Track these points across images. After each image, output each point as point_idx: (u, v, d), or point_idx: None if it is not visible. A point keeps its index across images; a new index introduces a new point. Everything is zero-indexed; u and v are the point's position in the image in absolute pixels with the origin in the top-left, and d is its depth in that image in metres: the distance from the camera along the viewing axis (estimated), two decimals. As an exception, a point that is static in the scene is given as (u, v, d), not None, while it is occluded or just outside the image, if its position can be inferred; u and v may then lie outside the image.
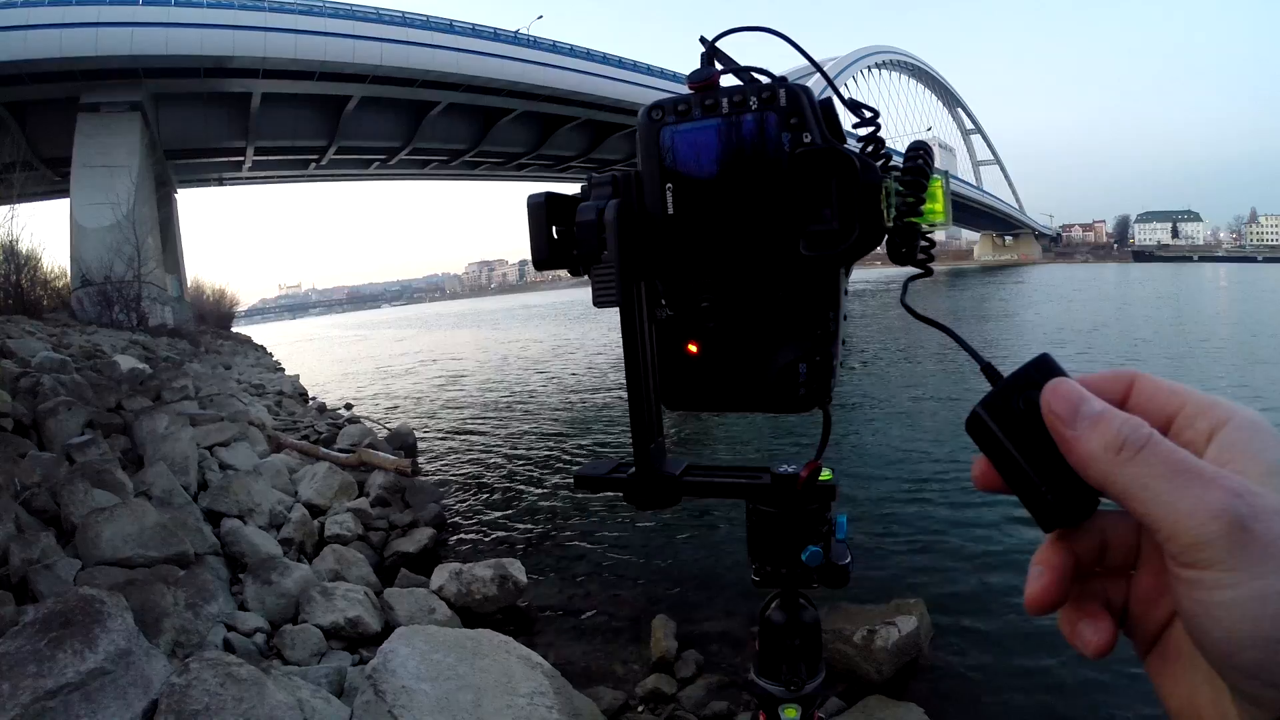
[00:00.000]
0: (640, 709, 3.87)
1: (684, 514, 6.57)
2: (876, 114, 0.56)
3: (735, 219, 0.57)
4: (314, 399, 16.22)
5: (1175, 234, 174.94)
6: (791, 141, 0.54)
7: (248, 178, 40.17)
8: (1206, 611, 0.32)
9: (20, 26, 21.73)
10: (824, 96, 0.57)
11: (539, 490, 8.25)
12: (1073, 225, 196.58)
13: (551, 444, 10.88)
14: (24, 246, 18.84)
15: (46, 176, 26.07)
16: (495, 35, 32.18)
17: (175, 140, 28.52)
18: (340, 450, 8.93)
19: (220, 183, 40.71)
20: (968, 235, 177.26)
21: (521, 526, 7.03)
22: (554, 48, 34.06)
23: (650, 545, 6.25)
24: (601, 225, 0.57)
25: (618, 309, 0.60)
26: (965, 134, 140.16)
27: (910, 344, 17.52)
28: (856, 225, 0.53)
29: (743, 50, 0.60)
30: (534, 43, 33.35)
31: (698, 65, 0.59)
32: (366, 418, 12.82)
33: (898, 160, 0.54)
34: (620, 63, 37.07)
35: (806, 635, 0.73)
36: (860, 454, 8.68)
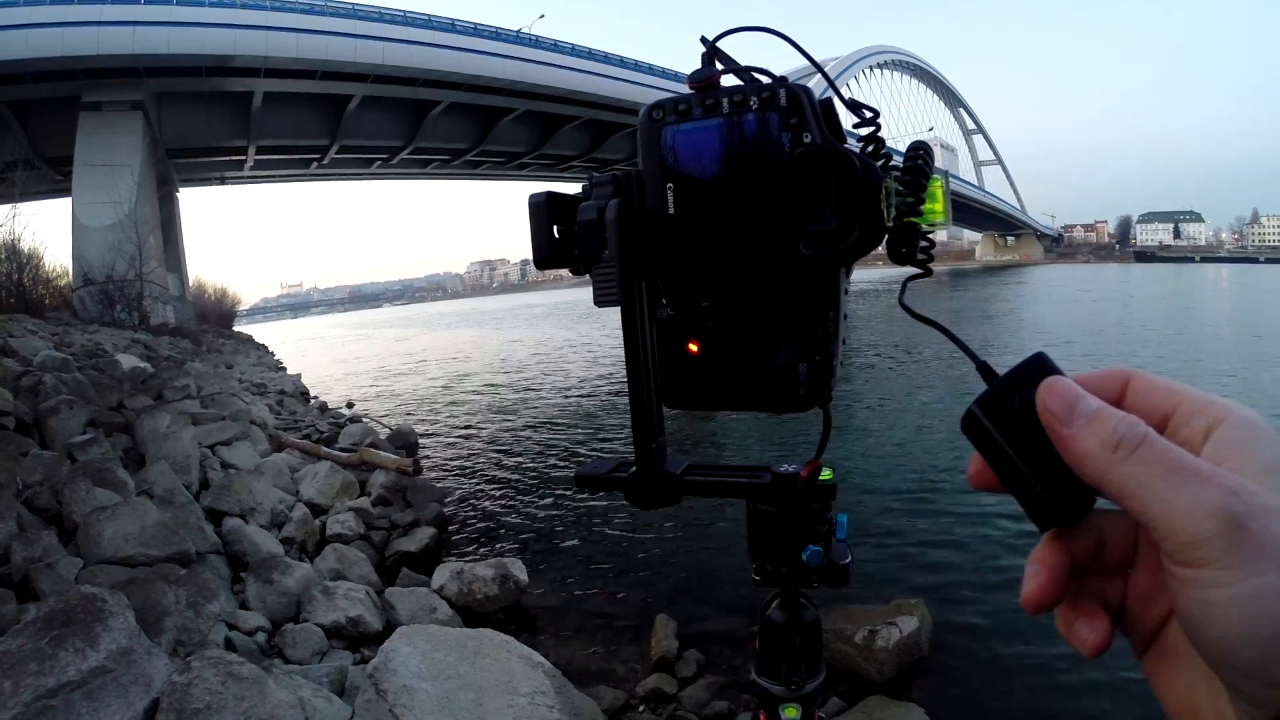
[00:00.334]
0: (641, 709, 3.87)
1: (685, 513, 6.57)
2: (876, 114, 0.57)
3: (736, 218, 0.57)
4: (315, 398, 16.23)
5: (1177, 234, 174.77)
6: (792, 141, 0.55)
7: (249, 177, 40.22)
8: (1203, 610, 0.32)
9: (22, 25, 21.76)
10: (824, 96, 0.57)
11: (540, 490, 8.25)
12: (1074, 226, 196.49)
13: (553, 443, 10.88)
14: (26, 245, 18.88)
15: (48, 175, 26.09)
16: (497, 35, 32.19)
17: (177, 139, 28.54)
18: (342, 449, 8.94)
19: (222, 182, 40.76)
20: (969, 235, 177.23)
21: (523, 526, 7.03)
22: (555, 47, 34.06)
23: (651, 545, 6.25)
24: (603, 225, 0.58)
25: (618, 308, 0.60)
26: (967, 134, 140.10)
27: (912, 344, 17.50)
28: (856, 225, 0.53)
29: (744, 50, 0.60)
30: (535, 42, 33.35)
31: (698, 65, 0.59)
32: (368, 417, 12.83)
33: (898, 160, 0.54)
34: (622, 62, 37.07)
35: (807, 635, 0.73)
36: (862, 453, 8.67)
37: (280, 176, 43.33)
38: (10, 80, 22.27)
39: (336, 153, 35.06)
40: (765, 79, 0.57)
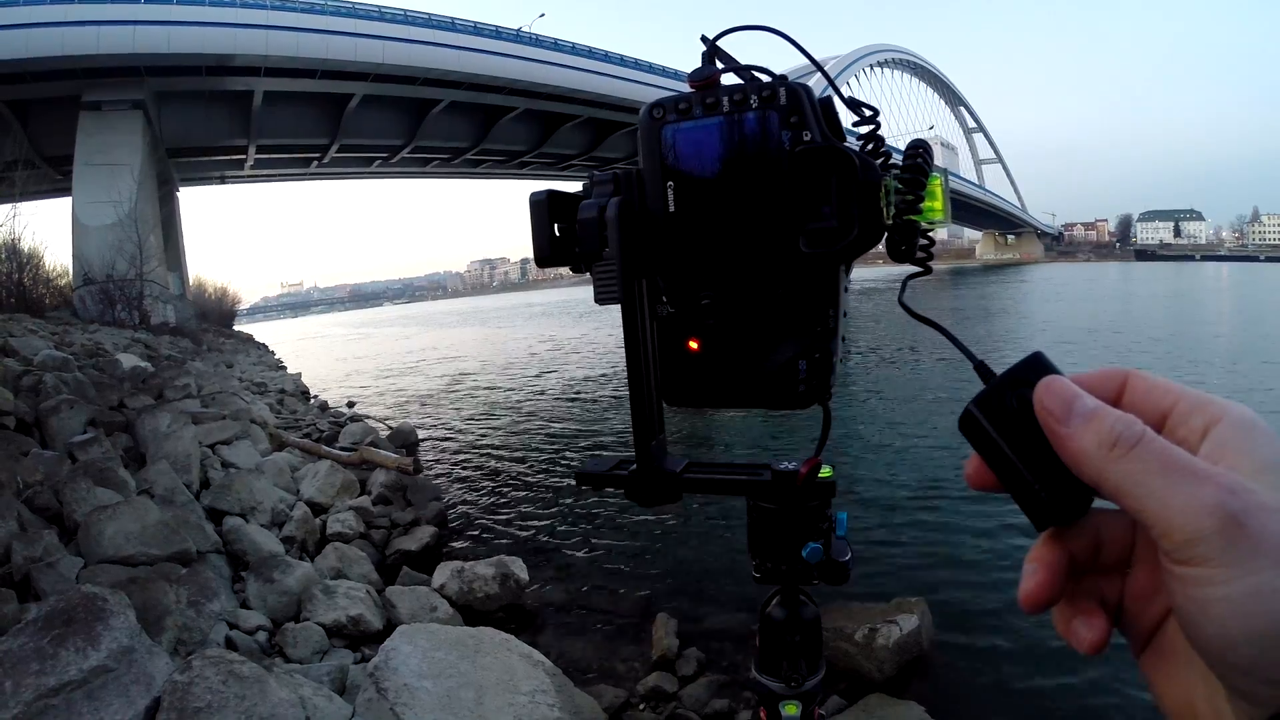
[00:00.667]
0: (641, 707, 3.87)
1: (686, 511, 6.57)
2: (876, 112, 0.57)
3: (736, 217, 0.58)
4: (316, 397, 16.23)
5: (1178, 233, 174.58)
6: (791, 140, 0.55)
7: (250, 176, 40.20)
8: (1200, 608, 0.32)
9: (22, 25, 21.73)
10: (824, 95, 0.57)
11: (541, 488, 8.26)
12: (1075, 224, 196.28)
13: (553, 442, 10.89)
14: (26, 245, 18.87)
15: (48, 175, 26.06)
16: (497, 33, 32.15)
17: (177, 138, 28.52)
18: (342, 448, 8.94)
19: (222, 181, 40.74)
20: (970, 234, 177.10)
21: (523, 524, 7.03)
22: (556, 46, 34.03)
23: (652, 543, 6.25)
24: (603, 223, 0.58)
25: (619, 306, 0.60)
26: (967, 132, 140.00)
27: (913, 342, 17.50)
28: (856, 223, 0.53)
29: (745, 49, 0.60)
30: (536, 41, 33.32)
31: (699, 64, 0.59)
32: (368, 416, 12.83)
33: (898, 158, 0.54)
34: (622, 61, 37.04)
35: (807, 632, 0.74)
36: (863, 451, 8.68)
37: (280, 175, 43.31)
38: (10, 79, 22.25)
39: (337, 152, 35.04)
40: (765, 77, 0.57)
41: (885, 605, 4.28)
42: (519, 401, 15.03)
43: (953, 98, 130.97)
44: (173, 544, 4.16)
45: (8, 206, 18.32)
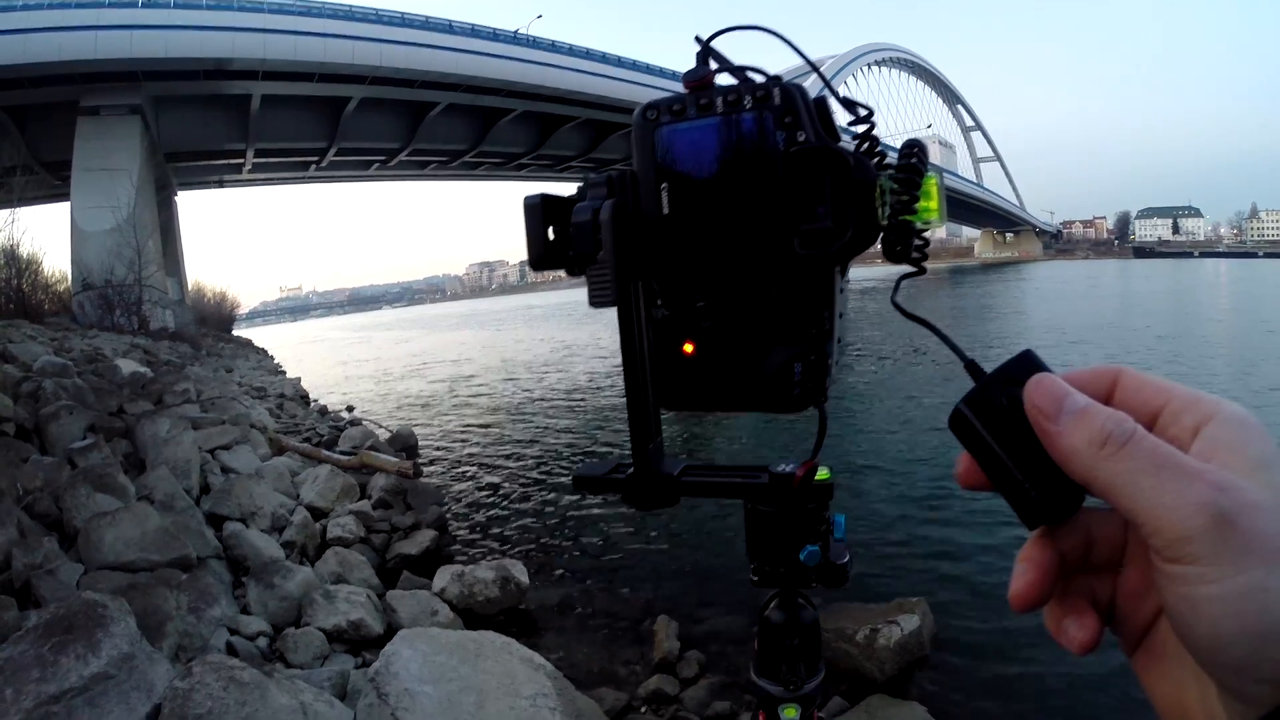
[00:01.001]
0: (643, 710, 3.87)
1: (687, 514, 6.57)
2: (871, 112, 0.56)
3: (730, 218, 0.57)
4: (315, 401, 16.24)
5: (1176, 230, 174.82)
6: (786, 140, 0.54)
7: (248, 180, 40.23)
8: (1191, 607, 0.32)
9: (20, 30, 21.75)
10: (819, 95, 0.57)
11: (541, 492, 8.25)
12: (1073, 222, 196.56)
13: (553, 445, 10.88)
14: (25, 251, 18.89)
15: (47, 180, 26.10)
16: (494, 35, 32.19)
17: (175, 143, 28.54)
18: (342, 453, 8.93)
19: (220, 185, 40.77)
20: (968, 232, 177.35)
21: (523, 528, 7.03)
22: (553, 47, 34.07)
23: (652, 545, 6.25)
24: (597, 225, 0.57)
25: (614, 309, 0.60)
26: (965, 131, 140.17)
27: (912, 342, 17.50)
28: (851, 224, 0.53)
29: (740, 50, 0.60)
30: (533, 42, 33.35)
31: (693, 64, 0.59)
32: (368, 420, 12.83)
33: (895, 158, 0.54)
34: (620, 62, 37.08)
35: (805, 635, 0.73)
36: (862, 452, 8.67)
37: (279, 179, 43.34)
38: (8, 85, 22.26)
39: (335, 155, 35.07)
40: (760, 78, 0.57)
41: (886, 605, 4.28)
42: (518, 405, 15.03)
43: (950, 96, 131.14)
44: (173, 550, 4.16)
45: (6, 212, 18.40)
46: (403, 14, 29.94)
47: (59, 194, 25.60)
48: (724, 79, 0.58)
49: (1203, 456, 0.34)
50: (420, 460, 9.25)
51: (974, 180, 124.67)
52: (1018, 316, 28.47)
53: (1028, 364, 0.41)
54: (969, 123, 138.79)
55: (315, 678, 3.35)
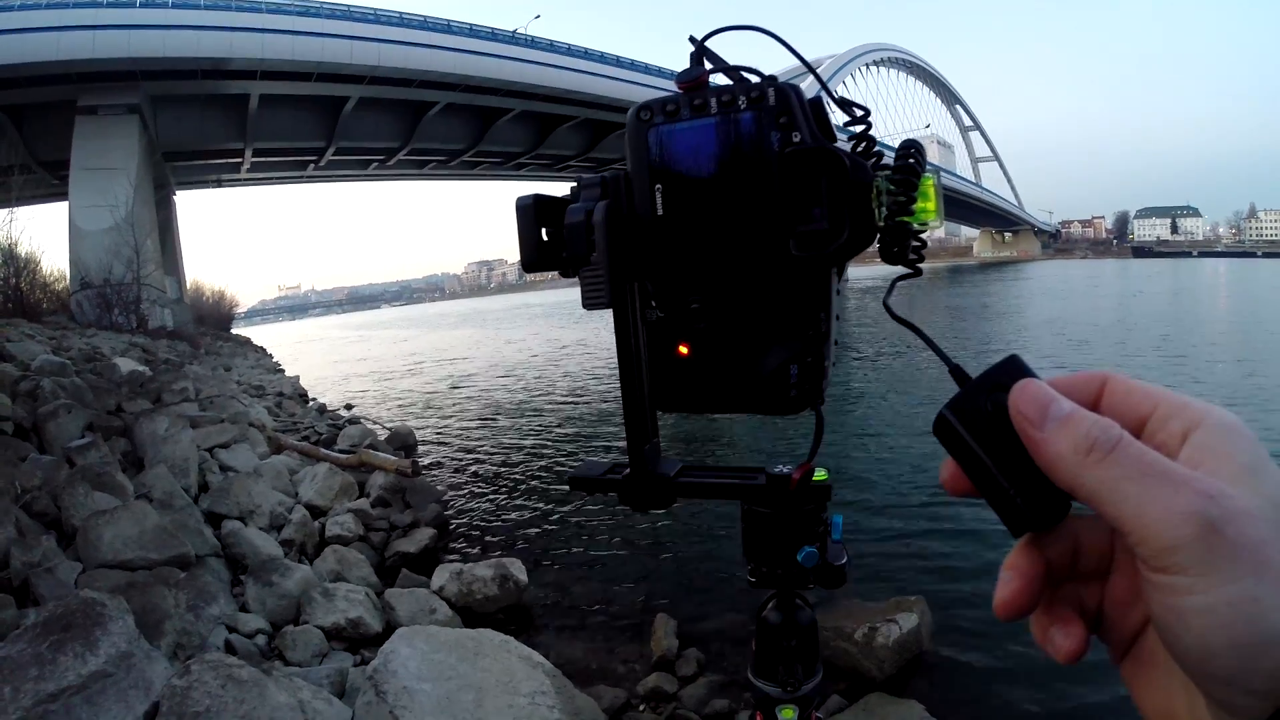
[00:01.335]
0: (641, 708, 3.87)
1: (685, 512, 6.56)
2: (867, 112, 0.56)
3: (725, 219, 0.57)
4: (314, 400, 16.21)
5: (1174, 229, 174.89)
6: (781, 141, 0.54)
7: (246, 179, 40.20)
8: (1179, 617, 0.32)
9: (17, 30, 21.71)
10: (814, 95, 0.57)
11: (540, 490, 8.25)
12: (1072, 221, 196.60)
13: (552, 444, 10.88)
14: (23, 250, 18.87)
15: (45, 180, 26.06)
16: (493, 35, 32.17)
17: (173, 142, 28.51)
18: (340, 451, 8.92)
19: (219, 184, 40.72)
20: (967, 232, 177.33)
21: (522, 526, 7.03)
22: (551, 47, 34.05)
23: (651, 544, 6.25)
24: (590, 227, 0.57)
25: (608, 310, 0.60)
26: (964, 131, 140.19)
27: (909, 343, 17.45)
28: (847, 225, 0.52)
29: (735, 50, 0.60)
30: (531, 42, 33.33)
31: (687, 64, 0.58)
32: (367, 418, 12.82)
33: (893, 158, 0.54)
34: (618, 61, 37.06)
35: (803, 636, 0.73)
36: (860, 453, 8.68)
37: (277, 178, 43.30)
38: (6, 85, 22.20)
39: (333, 154, 35.03)
40: (754, 78, 0.57)
41: (885, 604, 4.28)
42: (517, 403, 15.02)
43: (949, 96, 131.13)
44: (171, 548, 4.16)
45: (4, 212, 18.35)
46: (401, 14, 29.91)
47: (57, 193, 25.57)
48: (719, 79, 0.58)
49: (1190, 463, 0.34)
50: (419, 459, 9.24)
51: (972, 180, 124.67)
52: (1018, 317, 28.40)
53: (1013, 369, 0.40)
54: (967, 123, 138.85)
55: (314, 676, 3.35)
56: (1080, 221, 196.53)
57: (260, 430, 8.56)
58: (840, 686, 3.82)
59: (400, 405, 16.05)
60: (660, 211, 0.59)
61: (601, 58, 36.13)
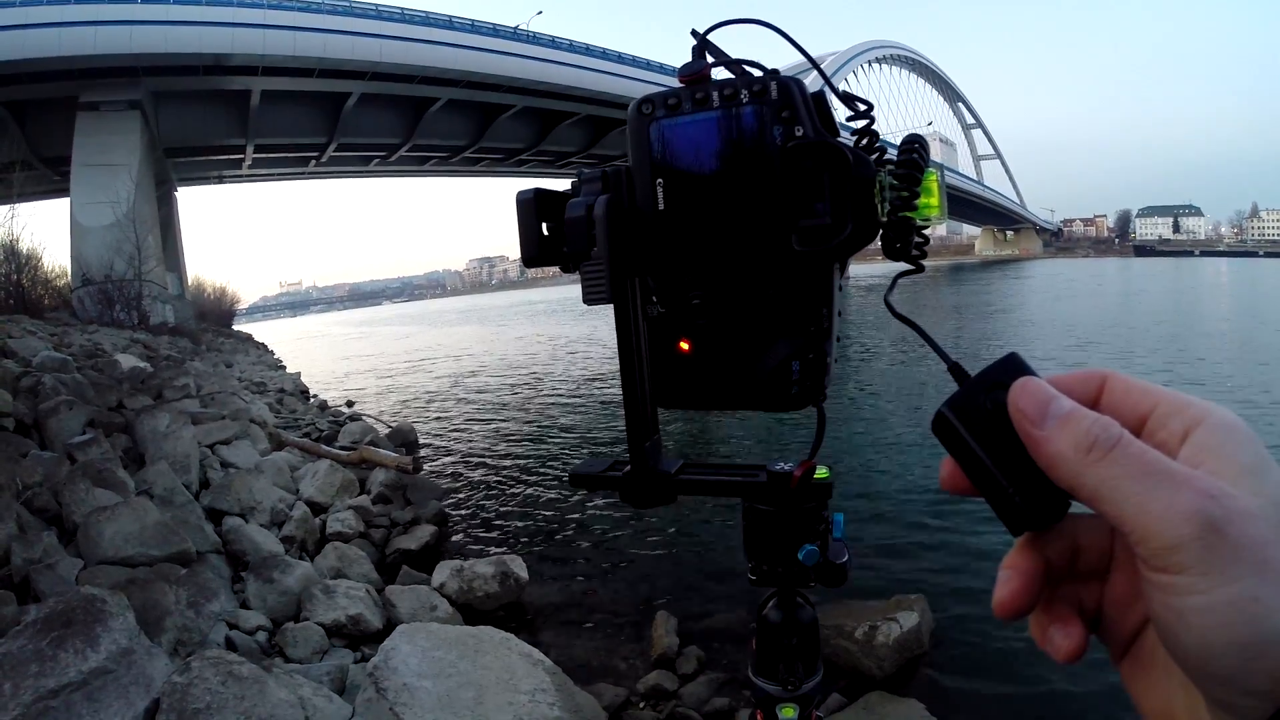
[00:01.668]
0: (642, 705, 3.87)
1: (686, 510, 6.57)
2: (870, 107, 0.56)
3: (727, 214, 0.57)
4: (315, 396, 16.23)
5: (1176, 229, 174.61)
6: (783, 135, 0.54)
7: (248, 175, 40.19)
8: (1179, 617, 0.32)
9: (18, 26, 21.70)
10: (818, 90, 0.56)
11: (541, 487, 8.25)
12: (1074, 220, 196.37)
13: (553, 441, 10.89)
14: (24, 246, 18.84)
15: (46, 176, 26.06)
16: (494, 31, 32.13)
17: (175, 138, 28.51)
18: (342, 448, 8.93)
19: (220, 180, 40.74)
20: (968, 230, 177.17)
21: (523, 523, 7.03)
22: (553, 43, 34.02)
23: (652, 541, 6.25)
24: (591, 221, 0.57)
25: (609, 306, 0.59)
26: (966, 129, 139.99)
27: (912, 339, 17.45)
28: (849, 220, 0.52)
29: (738, 44, 0.59)
30: (533, 38, 33.29)
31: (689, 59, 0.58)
32: (368, 415, 12.82)
33: (895, 154, 0.53)
34: (620, 57, 37.02)
35: (804, 634, 0.73)
36: (863, 450, 8.68)
37: (278, 175, 43.30)
38: (7, 81, 22.21)
39: (335, 150, 35.02)
40: (756, 72, 0.56)
41: (885, 603, 4.28)
42: (519, 400, 15.03)
43: (951, 94, 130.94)
44: (172, 544, 4.16)
45: (6, 208, 18.33)
46: (403, 9, 29.86)
47: (59, 189, 25.56)
48: (720, 73, 0.58)
49: (1191, 462, 0.34)
50: (420, 455, 9.26)
51: (974, 178, 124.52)
52: (1021, 315, 28.37)
53: (1013, 367, 0.40)
54: (969, 120, 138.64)
55: (314, 672, 3.35)
56: (1082, 220, 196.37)
57: (261, 427, 8.56)
58: (840, 685, 3.82)
59: (401, 402, 16.06)
60: (662, 206, 0.58)
61: (603, 54, 36.09)
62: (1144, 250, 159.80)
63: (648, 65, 38.30)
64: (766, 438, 8.91)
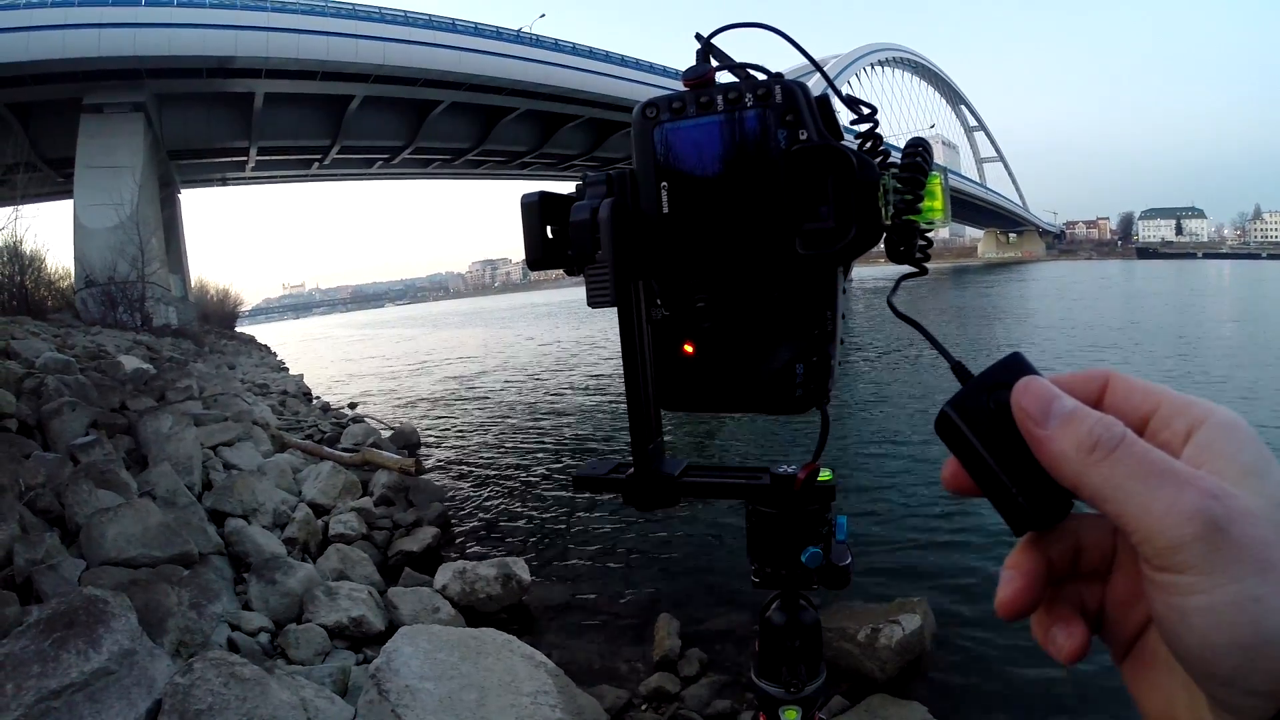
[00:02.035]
0: (644, 708, 3.87)
1: (689, 512, 6.56)
2: (874, 110, 0.56)
3: (731, 217, 0.57)
4: (318, 398, 16.25)
5: (1179, 231, 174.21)
6: (787, 139, 0.54)
7: (251, 177, 40.27)
8: (1181, 617, 0.31)
9: (23, 28, 21.78)
10: (821, 93, 0.57)
11: (543, 489, 8.25)
12: (1077, 222, 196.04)
13: (556, 443, 10.88)
14: (28, 248, 18.89)
15: (50, 178, 26.10)
16: (497, 34, 32.19)
17: (178, 140, 28.58)
18: (344, 450, 8.95)
19: (224, 183, 40.80)
20: (971, 233, 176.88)
21: (525, 525, 7.03)
22: (556, 46, 34.06)
23: (654, 544, 6.24)
24: (596, 225, 0.57)
25: (613, 309, 0.59)
26: (969, 131, 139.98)
27: (915, 342, 17.47)
28: (853, 223, 0.52)
29: (742, 48, 0.59)
30: (536, 41, 33.35)
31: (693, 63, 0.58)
32: (370, 417, 12.84)
33: (898, 157, 0.53)
34: (623, 60, 37.06)
35: (806, 637, 0.73)
36: (866, 453, 8.67)
37: (282, 177, 43.37)
38: (12, 83, 22.29)
39: (338, 153, 35.09)
40: (761, 75, 0.56)
41: (887, 605, 4.27)
42: (521, 402, 15.03)
43: (954, 96, 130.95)
44: (174, 546, 4.17)
45: (9, 209, 18.35)
46: (406, 13, 29.93)
47: (62, 191, 25.60)
48: (725, 77, 0.58)
49: (1194, 462, 0.34)
50: (422, 457, 9.27)
51: (977, 180, 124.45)
52: (1026, 318, 28.31)
53: (1015, 367, 0.40)
54: (972, 123, 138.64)
55: (316, 674, 3.35)
56: (1085, 222, 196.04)
57: (264, 428, 8.58)
58: (843, 687, 3.81)
59: (404, 404, 16.07)
60: (666, 209, 0.58)
61: (606, 57, 36.13)
62: (1147, 253, 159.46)
63: (651, 68, 38.34)
64: (770, 440, 8.91)
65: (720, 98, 0.56)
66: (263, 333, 49.51)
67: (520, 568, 5.16)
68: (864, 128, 0.56)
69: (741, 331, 0.59)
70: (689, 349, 0.61)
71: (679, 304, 0.61)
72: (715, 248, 0.58)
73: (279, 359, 26.15)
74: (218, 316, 35.97)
